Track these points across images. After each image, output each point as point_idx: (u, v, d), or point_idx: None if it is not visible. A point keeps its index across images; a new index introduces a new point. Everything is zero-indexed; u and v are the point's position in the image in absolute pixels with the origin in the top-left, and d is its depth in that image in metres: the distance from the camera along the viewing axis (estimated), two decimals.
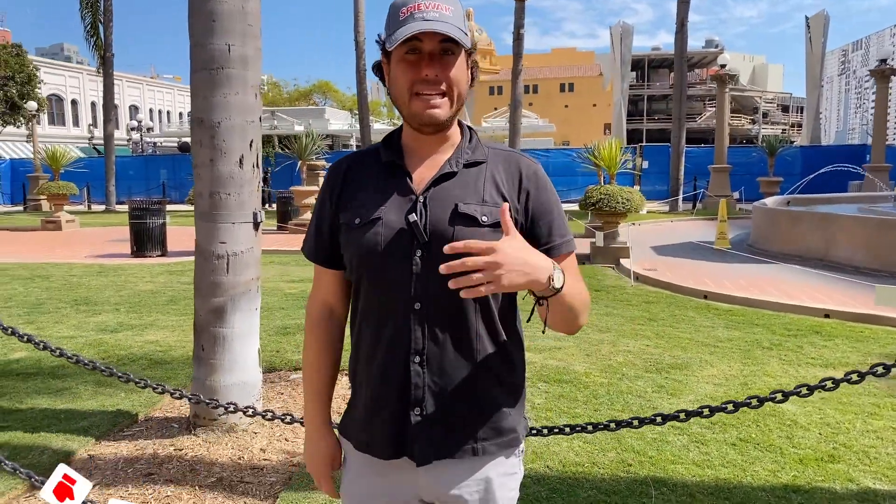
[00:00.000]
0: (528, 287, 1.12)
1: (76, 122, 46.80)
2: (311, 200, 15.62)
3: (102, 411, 3.94)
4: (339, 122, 35.08)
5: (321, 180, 20.15)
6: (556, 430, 2.45)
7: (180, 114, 55.60)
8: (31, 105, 24.97)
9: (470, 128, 1.39)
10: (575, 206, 11.84)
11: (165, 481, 3.08)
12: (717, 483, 3.05)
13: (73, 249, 12.60)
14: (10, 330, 2.91)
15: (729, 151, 23.64)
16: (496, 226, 1.21)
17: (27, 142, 25.52)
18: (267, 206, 20.99)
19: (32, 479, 2.77)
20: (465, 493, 1.29)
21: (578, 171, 17.07)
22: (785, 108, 77.29)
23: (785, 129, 69.43)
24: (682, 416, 2.32)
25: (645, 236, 14.07)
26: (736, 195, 20.34)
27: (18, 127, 35.58)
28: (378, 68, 1.33)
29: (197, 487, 3.03)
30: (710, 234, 12.41)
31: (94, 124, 42.73)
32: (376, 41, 1.29)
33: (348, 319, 1.43)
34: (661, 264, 10.11)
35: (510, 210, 1.21)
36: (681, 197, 20.85)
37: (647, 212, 19.23)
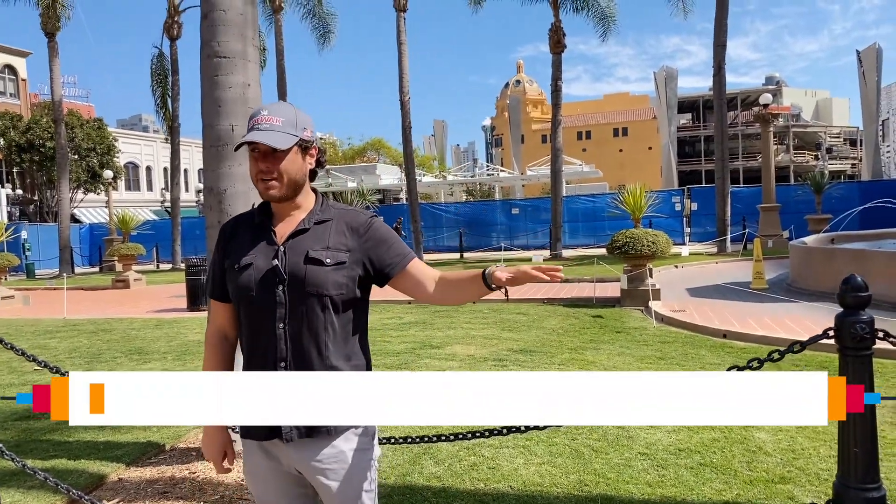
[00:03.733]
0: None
1: (150, 187, 50.12)
2: None
3: (135, 442, 4.51)
4: (390, 177, 36.41)
5: None
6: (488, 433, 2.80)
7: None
8: (108, 174, 27.13)
9: (323, 194, 1.89)
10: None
11: (176, 498, 3.58)
12: (662, 500, 3.31)
13: (137, 305, 13.66)
14: (65, 373, 3.51)
15: (780, 190, 23.30)
16: (338, 264, 1.73)
17: (105, 207, 27.60)
18: None
19: (71, 493, 3.30)
20: (325, 463, 1.73)
21: (620, 216, 17.28)
22: (853, 143, 74.74)
23: (855, 164, 67.01)
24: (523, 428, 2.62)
25: (684, 278, 14.09)
26: (786, 234, 19.97)
27: (98, 194, 38.50)
28: None
29: (202, 503, 3.51)
30: (751, 275, 12.35)
31: (167, 188, 45.68)
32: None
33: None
34: (691, 305, 10.19)
35: (350, 252, 1.76)
36: (728, 238, 20.61)
37: (690, 253, 19.08)
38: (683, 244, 23.23)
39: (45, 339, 9.42)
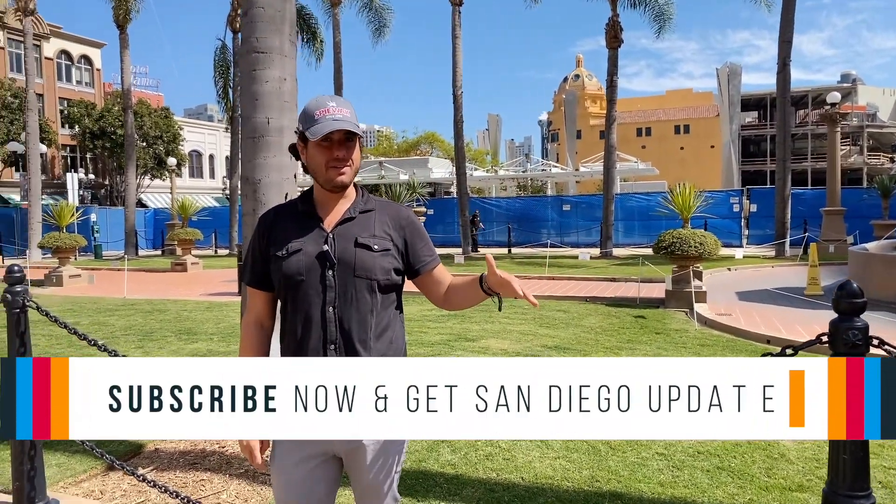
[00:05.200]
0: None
1: (212, 175, 51.85)
2: None
3: None
4: (442, 170, 36.57)
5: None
6: None
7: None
8: (171, 161, 28.25)
9: (363, 188, 2.00)
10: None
11: (204, 469, 3.79)
12: (672, 500, 3.30)
13: (192, 288, 14.24)
14: (114, 351, 3.77)
15: (848, 193, 22.32)
16: (384, 251, 1.85)
17: (170, 193, 28.78)
18: None
19: (106, 458, 3.53)
20: (365, 441, 1.80)
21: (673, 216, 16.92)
22: None
23: None
24: None
25: (736, 281, 13.73)
26: (850, 239, 19.14)
27: (164, 180, 40.09)
28: (293, 149, 1.95)
29: (227, 475, 3.70)
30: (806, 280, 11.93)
31: (229, 176, 47.20)
32: (296, 132, 1.92)
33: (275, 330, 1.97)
34: (739, 309, 9.96)
35: (392, 241, 1.88)
36: (787, 241, 19.89)
37: (745, 256, 18.53)
38: (740, 246, 22.57)
39: (105, 316, 9.96)
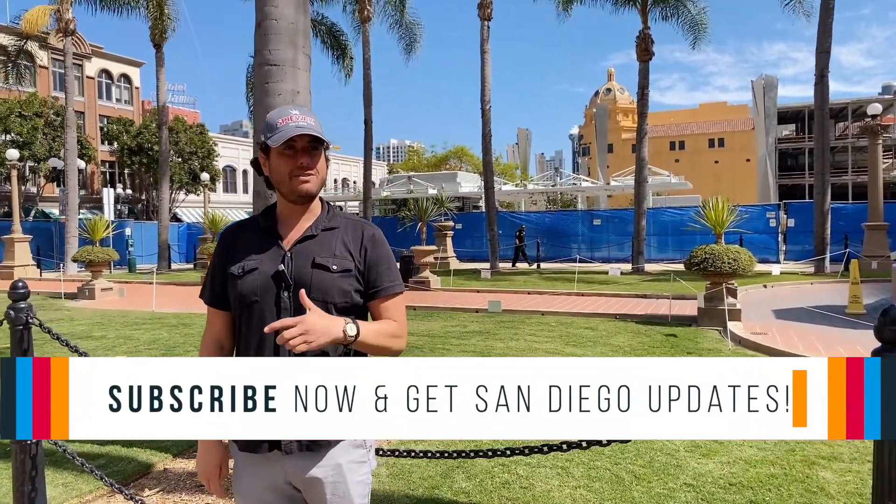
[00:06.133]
0: (333, 343, 1.61)
1: (245, 190, 52.67)
2: (431, 259, 16.47)
3: None
4: (470, 184, 36.46)
5: (448, 241, 20.95)
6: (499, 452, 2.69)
7: (335, 180, 60.62)
8: (204, 176, 28.72)
9: (329, 203, 1.86)
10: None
11: (209, 493, 3.67)
12: None
13: None
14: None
15: (891, 207, 21.55)
16: (344, 271, 1.72)
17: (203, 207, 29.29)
18: None
19: (113, 486, 3.45)
20: (320, 474, 1.70)
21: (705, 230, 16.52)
22: None
23: None
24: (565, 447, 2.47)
25: (773, 299, 13.27)
26: (894, 255, 18.41)
27: (198, 195, 40.82)
28: (255, 163, 1.84)
29: (233, 500, 3.58)
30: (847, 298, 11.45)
31: None
32: (257, 143, 1.81)
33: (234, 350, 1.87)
34: (776, 328, 9.59)
35: (354, 261, 1.74)
36: (827, 257, 19.23)
37: (783, 272, 17.97)
38: (777, 262, 21.93)
39: (131, 330, 10.02)
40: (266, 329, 1.55)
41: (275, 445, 1.68)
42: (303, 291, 1.61)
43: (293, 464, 1.70)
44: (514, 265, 23.20)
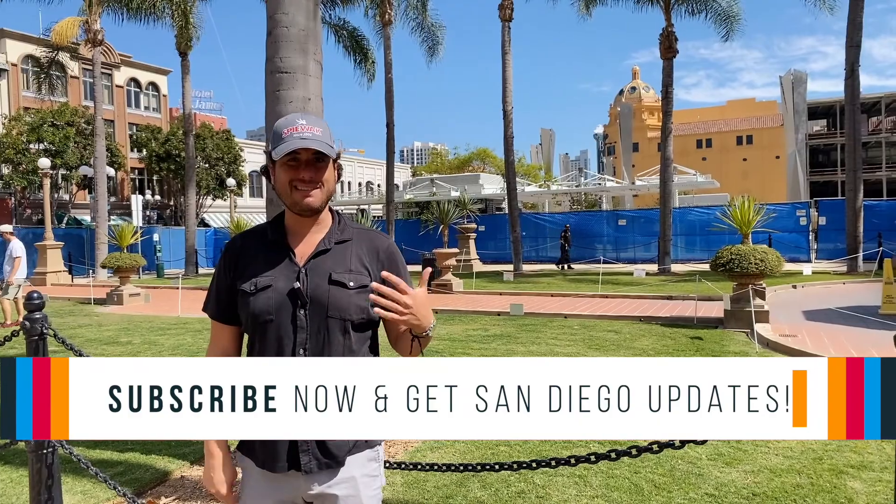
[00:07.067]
0: (416, 329, 1.63)
1: None
2: (453, 262, 16.43)
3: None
4: (493, 186, 36.29)
5: (471, 243, 20.80)
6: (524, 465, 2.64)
7: (359, 183, 60.92)
8: (230, 181, 29.06)
9: (339, 213, 1.82)
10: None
11: None
12: None
13: None
14: None
15: None
16: (361, 287, 1.69)
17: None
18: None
19: (126, 496, 3.46)
20: (336, 490, 1.67)
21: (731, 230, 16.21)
22: None
23: None
24: (593, 457, 2.41)
25: (803, 299, 12.96)
26: None
27: (225, 200, 41.34)
28: (265, 171, 1.81)
29: None
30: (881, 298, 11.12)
31: None
32: (265, 152, 1.79)
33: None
34: (806, 330, 9.35)
35: (371, 276, 1.71)
36: (860, 256, 18.74)
37: (814, 272, 17.55)
38: (808, 261, 21.44)
39: (156, 335, 10.15)
40: (383, 275, 1.61)
41: (293, 465, 1.66)
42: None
43: (306, 480, 1.67)
44: (562, 266, 22.69)
